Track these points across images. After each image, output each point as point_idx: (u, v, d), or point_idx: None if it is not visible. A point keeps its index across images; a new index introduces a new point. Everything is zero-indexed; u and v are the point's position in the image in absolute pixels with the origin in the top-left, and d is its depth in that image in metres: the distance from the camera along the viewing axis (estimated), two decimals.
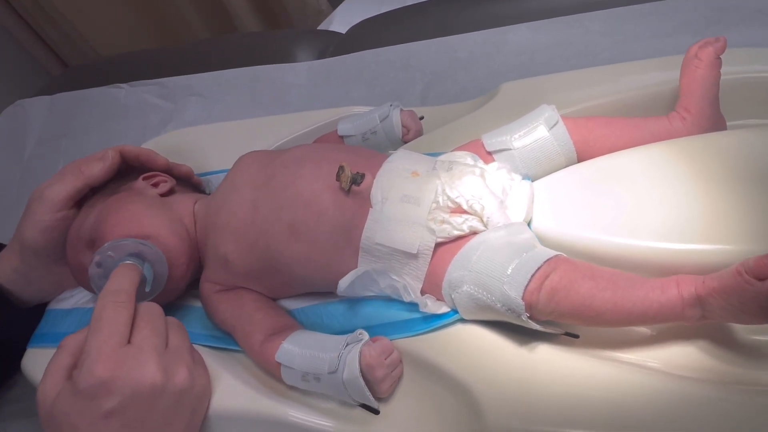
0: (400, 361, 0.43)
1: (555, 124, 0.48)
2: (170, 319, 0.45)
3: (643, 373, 0.38)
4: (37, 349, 0.52)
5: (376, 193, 0.45)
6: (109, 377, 0.38)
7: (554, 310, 0.38)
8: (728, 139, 0.45)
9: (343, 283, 0.44)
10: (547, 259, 0.39)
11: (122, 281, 0.43)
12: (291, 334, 0.45)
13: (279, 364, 0.43)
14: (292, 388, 0.45)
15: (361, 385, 0.41)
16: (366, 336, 0.43)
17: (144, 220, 0.49)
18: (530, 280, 0.38)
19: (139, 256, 0.47)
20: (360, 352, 0.41)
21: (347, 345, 0.42)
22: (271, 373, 0.46)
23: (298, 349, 0.43)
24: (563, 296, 0.38)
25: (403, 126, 0.58)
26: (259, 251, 0.48)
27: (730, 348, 0.38)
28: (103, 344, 0.39)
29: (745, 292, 0.33)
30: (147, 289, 0.46)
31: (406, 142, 0.58)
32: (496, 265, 0.40)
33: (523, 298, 0.38)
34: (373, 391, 0.42)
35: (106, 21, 1.39)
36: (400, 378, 0.43)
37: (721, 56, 0.47)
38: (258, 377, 0.47)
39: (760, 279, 0.32)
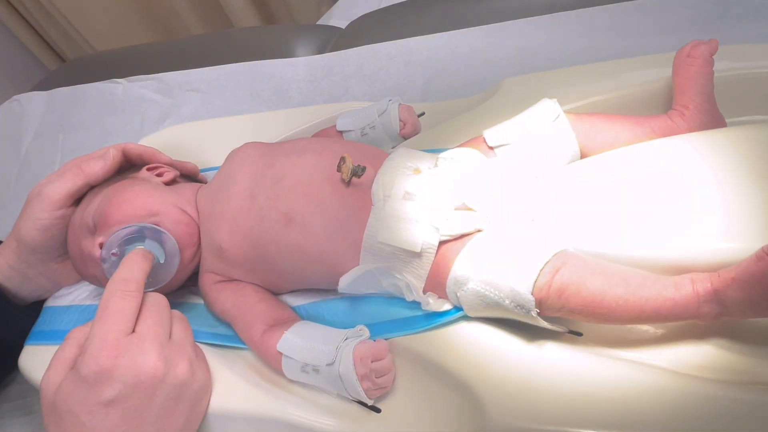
0: (390, 371, 0.43)
1: (557, 118, 0.48)
2: (175, 312, 0.45)
3: (647, 372, 0.38)
4: (35, 347, 0.52)
5: (378, 190, 0.45)
6: (112, 365, 0.38)
7: (564, 305, 0.38)
8: (732, 135, 0.44)
9: (344, 281, 0.43)
10: (555, 253, 0.39)
11: (132, 269, 0.43)
12: (294, 324, 0.45)
13: (280, 354, 0.43)
14: (292, 383, 0.45)
15: (353, 379, 0.40)
16: (366, 332, 0.43)
17: (148, 199, 0.49)
18: (539, 275, 0.38)
19: (141, 238, 0.46)
20: (354, 347, 0.41)
21: (346, 339, 0.42)
22: (270, 364, 0.45)
23: (300, 340, 0.43)
24: (573, 292, 0.37)
25: (400, 120, 0.57)
26: (253, 240, 0.47)
27: (735, 347, 0.38)
28: (108, 332, 0.39)
29: (767, 276, 0.33)
30: (160, 261, 0.46)
31: (403, 137, 0.58)
32: (503, 261, 0.39)
33: (532, 294, 0.38)
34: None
35: (102, 16, 1.39)
36: (386, 388, 0.43)
37: (713, 56, 0.46)
38: (259, 375, 0.47)
39: None
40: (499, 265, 0.39)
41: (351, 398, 0.43)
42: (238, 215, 0.48)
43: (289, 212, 0.46)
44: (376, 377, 0.41)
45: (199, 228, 0.50)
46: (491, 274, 0.39)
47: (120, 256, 0.46)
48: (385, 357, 0.42)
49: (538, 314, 0.38)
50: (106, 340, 0.39)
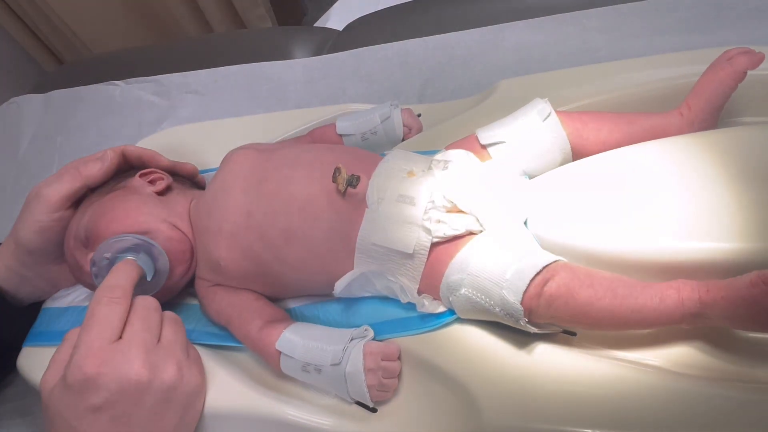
0: (396, 376, 0.43)
1: (548, 116, 0.48)
2: (167, 313, 0.45)
3: (640, 371, 0.38)
4: (33, 348, 0.52)
5: (372, 193, 0.45)
6: (96, 373, 0.38)
7: (553, 315, 0.39)
8: (726, 136, 0.45)
9: (340, 286, 0.44)
10: (546, 265, 0.39)
11: (119, 277, 0.43)
12: (291, 324, 0.45)
13: (278, 352, 0.43)
14: (289, 383, 0.45)
15: (361, 379, 0.41)
16: (371, 333, 0.43)
17: (139, 217, 0.49)
18: (529, 286, 0.38)
19: (136, 250, 0.46)
20: (363, 345, 0.41)
21: (352, 339, 0.42)
22: (267, 361, 0.45)
23: (300, 339, 0.43)
24: (562, 303, 0.38)
25: (404, 125, 0.57)
26: (253, 257, 0.47)
27: (728, 346, 0.39)
28: (93, 340, 0.39)
29: (757, 303, 0.33)
30: (148, 278, 0.46)
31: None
32: (495, 269, 0.40)
33: (521, 303, 0.38)
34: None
35: (99, 18, 1.39)
36: (391, 391, 0.43)
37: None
38: (256, 375, 0.47)
39: None
40: (491, 274, 0.40)
41: (351, 400, 0.43)
42: (236, 232, 0.47)
43: (288, 228, 0.46)
44: (383, 377, 0.42)
45: (191, 243, 0.50)
46: (482, 282, 0.40)
47: (111, 263, 0.46)
48: (396, 359, 0.43)
49: (528, 322, 0.39)
50: (90, 348, 0.39)
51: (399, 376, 0.43)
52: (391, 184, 0.45)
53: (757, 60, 0.45)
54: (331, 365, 0.41)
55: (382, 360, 0.42)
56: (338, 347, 0.42)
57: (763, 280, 0.33)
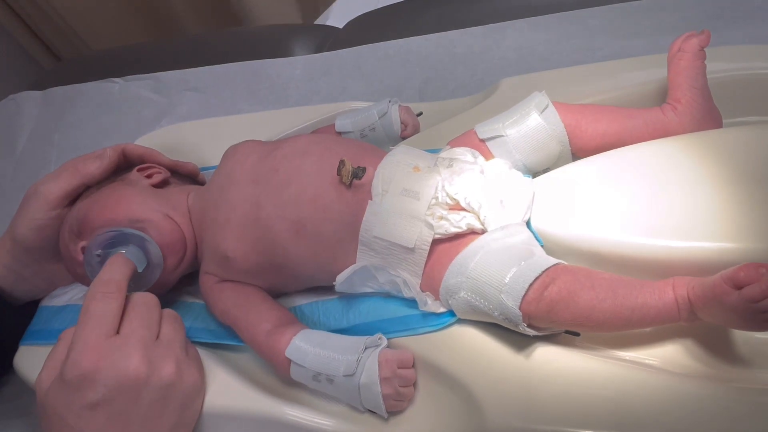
0: (412, 384, 0.42)
1: (545, 108, 0.47)
2: (167, 311, 0.44)
3: (642, 371, 0.38)
4: (30, 347, 0.52)
5: (377, 185, 0.45)
6: (93, 369, 0.38)
7: (553, 320, 0.38)
8: (729, 136, 0.45)
9: (341, 278, 0.43)
10: (546, 269, 0.38)
11: (113, 272, 0.43)
12: (300, 330, 0.44)
13: (288, 360, 0.43)
14: (289, 383, 0.45)
15: (377, 391, 0.40)
16: (385, 341, 0.42)
17: (131, 206, 0.48)
18: (528, 290, 0.38)
19: (125, 242, 0.46)
20: (378, 354, 0.41)
21: (366, 348, 0.41)
22: (275, 367, 0.45)
23: (311, 348, 0.42)
24: (562, 308, 0.38)
25: (401, 122, 0.57)
26: (262, 249, 0.47)
27: (729, 346, 0.38)
28: (89, 336, 0.39)
29: (724, 301, 0.33)
30: (140, 270, 0.45)
31: (403, 138, 0.58)
32: (494, 273, 0.39)
33: (520, 308, 0.38)
34: None
35: (98, 15, 1.38)
36: (407, 401, 0.42)
37: (705, 49, 0.46)
38: (256, 374, 0.47)
39: (738, 287, 0.33)
40: (490, 278, 0.39)
41: (363, 409, 0.42)
42: (245, 224, 0.47)
43: (299, 220, 0.45)
44: (399, 385, 0.41)
45: (185, 235, 0.49)
46: (481, 286, 0.39)
47: (103, 259, 0.45)
48: (411, 366, 0.42)
49: (528, 326, 0.38)
50: (87, 344, 0.39)
51: (414, 384, 0.43)
52: (397, 177, 0.45)
53: (704, 38, 0.46)
54: (344, 376, 0.40)
55: (398, 368, 0.41)
56: (351, 357, 0.41)
57: (723, 280, 0.33)
